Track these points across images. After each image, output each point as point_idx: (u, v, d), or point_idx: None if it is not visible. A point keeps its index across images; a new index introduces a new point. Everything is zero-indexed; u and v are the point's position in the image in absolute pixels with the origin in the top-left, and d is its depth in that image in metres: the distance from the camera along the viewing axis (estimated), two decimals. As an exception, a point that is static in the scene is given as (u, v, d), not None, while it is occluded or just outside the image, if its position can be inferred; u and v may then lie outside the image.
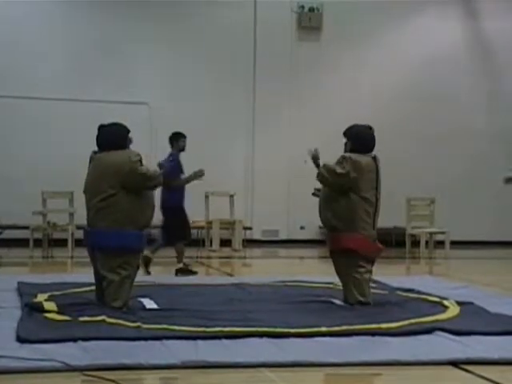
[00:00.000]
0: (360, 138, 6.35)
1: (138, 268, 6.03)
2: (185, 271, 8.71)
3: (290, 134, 14.59)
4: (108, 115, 13.70)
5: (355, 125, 6.49)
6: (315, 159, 6.27)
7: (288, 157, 14.10)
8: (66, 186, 12.64)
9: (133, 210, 5.82)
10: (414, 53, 15.12)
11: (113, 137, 6.02)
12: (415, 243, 12.84)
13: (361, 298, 6.11)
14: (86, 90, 13.88)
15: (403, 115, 14.98)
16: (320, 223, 6.52)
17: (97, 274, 5.97)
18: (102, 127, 6.09)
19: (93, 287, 6.77)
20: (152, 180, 5.93)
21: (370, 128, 6.47)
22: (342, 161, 6.17)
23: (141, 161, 5.96)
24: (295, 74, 14.72)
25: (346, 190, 6.12)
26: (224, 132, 14.53)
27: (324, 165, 6.21)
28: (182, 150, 8.92)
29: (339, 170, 6.11)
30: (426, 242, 12.72)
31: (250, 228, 14.19)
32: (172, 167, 8.35)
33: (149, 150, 13.97)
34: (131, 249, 5.85)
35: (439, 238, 12.98)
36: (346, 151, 6.36)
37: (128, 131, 6.13)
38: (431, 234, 12.92)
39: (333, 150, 6.65)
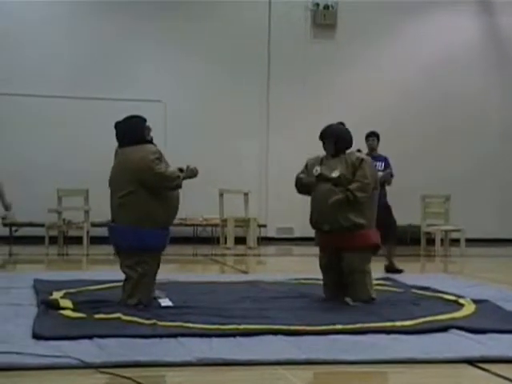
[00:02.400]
0: (344, 138, 6.43)
1: (158, 266, 5.97)
2: None
3: (305, 130, 14.54)
4: (122, 113, 13.79)
5: (330, 125, 6.55)
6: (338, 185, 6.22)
7: (303, 154, 13.98)
8: (81, 183, 12.71)
9: (151, 208, 5.77)
10: (429, 50, 15.07)
11: (130, 131, 5.98)
12: (430, 241, 12.79)
13: (374, 295, 6.16)
14: (100, 89, 13.93)
15: (418, 112, 14.93)
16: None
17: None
18: (117, 124, 6.07)
19: (108, 284, 6.82)
20: (170, 180, 5.82)
21: (343, 124, 6.58)
22: (364, 166, 6.24)
23: (159, 158, 5.87)
24: (310, 72, 14.71)
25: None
26: (238, 129, 14.53)
27: (352, 191, 6.15)
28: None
29: (368, 180, 6.20)
30: (442, 240, 12.67)
31: (264, 226, 14.19)
32: None
33: (162, 148, 14.06)
34: (148, 247, 5.81)
35: (454, 235, 12.93)
36: (328, 153, 6.42)
37: (144, 121, 6.07)
38: (446, 231, 12.87)
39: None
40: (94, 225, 13.05)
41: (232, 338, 4.55)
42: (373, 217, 6.30)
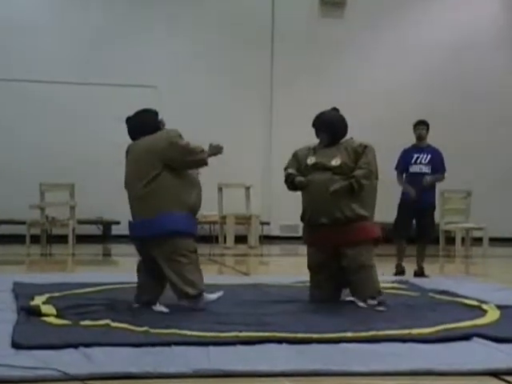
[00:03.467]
0: (339, 126, 6.49)
1: (196, 253, 5.98)
2: None
3: (312, 119, 14.57)
4: (115, 99, 14.05)
5: (323, 113, 6.59)
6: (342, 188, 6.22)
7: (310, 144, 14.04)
8: (67, 177, 12.70)
9: (179, 189, 5.81)
10: (449, 28, 15.05)
11: (143, 125, 6.02)
12: (450, 240, 12.79)
13: (380, 288, 6.24)
14: (92, 74, 13.97)
15: (434, 99, 14.92)
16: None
17: (149, 270, 5.94)
18: (129, 119, 6.10)
19: (96, 288, 6.81)
20: (193, 154, 5.86)
21: (337, 110, 6.60)
22: (368, 152, 6.27)
23: (181, 135, 5.94)
24: (317, 54, 14.70)
25: None
26: (239, 119, 14.53)
27: (357, 178, 6.19)
28: None
29: (372, 168, 6.26)
30: (462, 239, 12.67)
31: (267, 223, 14.20)
32: None
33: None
34: (183, 233, 5.83)
35: (476, 234, 12.93)
36: (322, 143, 6.47)
37: (156, 114, 6.13)
38: (467, 229, 12.86)
39: (358, 136, 6.64)
40: (80, 222, 13.06)
41: (232, 347, 4.53)
42: (374, 208, 6.37)
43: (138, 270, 6.11)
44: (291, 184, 6.52)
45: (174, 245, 5.79)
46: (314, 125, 6.57)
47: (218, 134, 14.66)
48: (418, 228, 8.87)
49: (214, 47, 14.57)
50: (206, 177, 11.67)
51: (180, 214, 5.81)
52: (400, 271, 8.85)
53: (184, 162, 5.88)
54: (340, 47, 14.84)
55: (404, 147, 9.10)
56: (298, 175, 6.45)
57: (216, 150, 6.10)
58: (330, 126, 6.46)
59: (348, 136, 6.53)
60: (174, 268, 5.79)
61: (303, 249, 13.73)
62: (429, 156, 8.90)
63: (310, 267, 6.54)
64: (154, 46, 14.40)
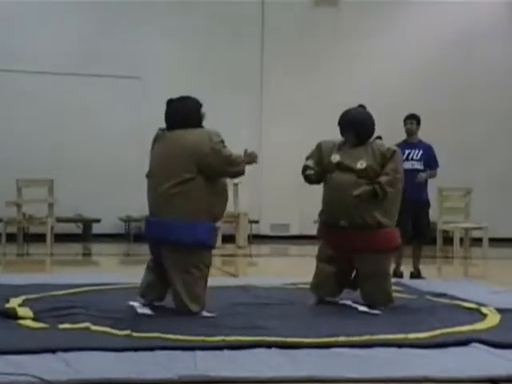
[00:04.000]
0: (367, 125, 6.44)
1: (209, 268, 5.96)
2: None
3: (304, 112, 14.56)
4: (97, 90, 14.04)
5: (349, 110, 6.52)
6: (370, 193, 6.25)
7: (301, 138, 14.04)
8: (45, 172, 12.66)
9: (209, 199, 5.77)
10: (449, 18, 15.09)
11: (185, 113, 5.93)
12: (448, 240, 12.81)
13: (393, 298, 6.35)
14: (73, 64, 13.95)
15: (433, 91, 14.94)
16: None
17: (159, 273, 5.91)
18: (170, 102, 6.01)
19: (76, 289, 6.79)
20: (234, 165, 5.85)
21: (364, 107, 6.57)
22: (396, 159, 6.32)
23: (223, 141, 5.89)
24: (310, 44, 14.71)
25: None
26: (228, 113, 14.51)
27: (382, 184, 6.21)
28: None
29: (399, 175, 6.33)
30: (461, 240, 12.69)
31: (256, 222, 14.19)
32: None
33: (139, 130, 14.13)
34: (205, 244, 5.80)
35: (476, 234, 12.95)
36: (349, 143, 6.43)
37: (201, 105, 6.05)
38: (466, 229, 12.89)
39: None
40: (59, 220, 13.03)
41: (219, 352, 4.53)
42: (396, 216, 6.40)
43: (148, 268, 6.05)
44: (307, 177, 6.54)
45: (191, 256, 5.74)
46: (340, 123, 6.48)
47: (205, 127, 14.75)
48: (412, 227, 8.89)
49: (202, 38, 14.55)
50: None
51: (205, 225, 5.77)
52: (397, 275, 8.85)
53: (223, 171, 5.87)
54: (334, 37, 14.85)
55: (395, 143, 9.10)
56: (313, 168, 6.45)
57: (251, 159, 6.08)
58: (357, 125, 6.39)
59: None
60: (184, 279, 5.73)
61: (294, 249, 13.69)
62: (420, 151, 8.91)
63: (319, 259, 6.56)
64: (139, 36, 14.38)
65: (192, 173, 5.73)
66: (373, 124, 6.47)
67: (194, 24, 14.59)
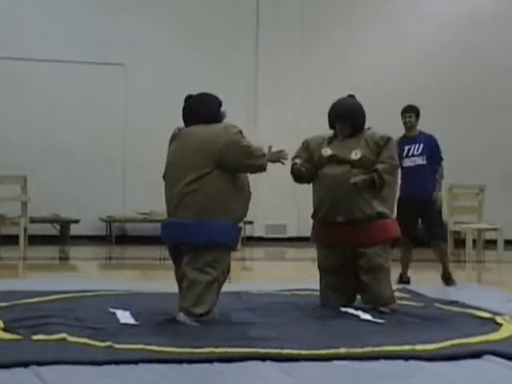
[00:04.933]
0: (360, 115, 6.63)
1: (228, 271, 6.02)
2: None
3: (302, 101, 14.57)
4: (77, 78, 14.01)
5: (341, 102, 6.69)
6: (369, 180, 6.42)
7: (299, 129, 14.05)
8: (18, 168, 12.63)
9: (226, 195, 5.82)
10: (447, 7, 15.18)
11: (205, 109, 6.00)
12: (459, 243, 12.83)
13: (394, 296, 6.58)
14: (54, 50, 13.96)
15: (439, 82, 14.96)
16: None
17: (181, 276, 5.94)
18: (189, 98, 6.08)
19: (51, 296, 6.79)
20: (253, 158, 5.88)
21: (354, 97, 6.76)
22: (391, 146, 6.55)
23: (241, 132, 5.95)
24: (308, 30, 14.75)
25: None
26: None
27: (379, 172, 6.39)
28: None
29: (395, 162, 6.58)
30: (474, 241, 12.70)
31: (250, 222, 14.18)
32: None
33: (123, 118, 14.15)
34: (222, 244, 5.86)
35: (490, 236, 12.97)
36: (342, 136, 6.61)
37: (221, 104, 6.11)
38: (480, 230, 12.90)
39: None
40: (33, 220, 13.00)
41: (208, 365, 4.53)
42: (393, 205, 6.67)
43: (178, 280, 6.02)
44: (297, 176, 6.66)
45: (205, 255, 5.79)
46: (332, 115, 6.65)
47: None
48: (424, 230, 8.93)
49: (190, 22, 14.55)
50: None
51: (221, 223, 5.81)
52: (403, 281, 8.86)
53: (242, 165, 5.89)
54: (328, 24, 14.90)
55: (396, 139, 9.08)
56: (303, 165, 6.54)
57: (276, 157, 6.08)
58: (350, 117, 6.58)
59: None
60: (194, 276, 5.78)
61: (291, 252, 13.71)
62: (421, 145, 8.87)
63: (321, 269, 6.68)
64: (122, 21, 14.39)
65: (208, 167, 5.79)
66: (364, 114, 6.66)
67: (180, 7, 14.58)
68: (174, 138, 6.09)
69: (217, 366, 4.52)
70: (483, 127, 15.05)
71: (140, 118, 13.90)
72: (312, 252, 6.97)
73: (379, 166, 6.40)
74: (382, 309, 6.39)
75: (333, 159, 6.49)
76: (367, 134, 6.58)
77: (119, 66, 14.16)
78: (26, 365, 4.38)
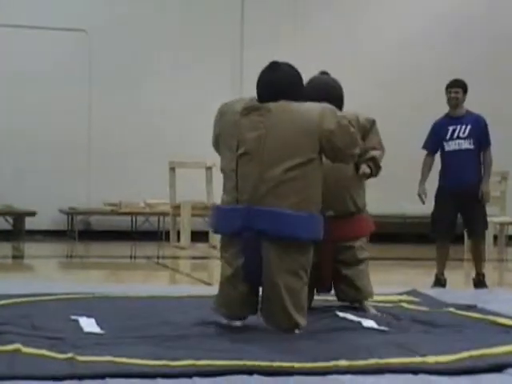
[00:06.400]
0: (337, 94, 6.69)
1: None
2: None
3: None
4: (35, 45, 13.97)
5: (313, 79, 6.75)
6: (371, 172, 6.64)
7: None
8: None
9: (318, 185, 5.87)
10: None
11: (289, 84, 5.92)
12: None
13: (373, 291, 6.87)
14: (6, 13, 13.99)
15: (455, 55, 15.08)
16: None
17: (249, 273, 5.89)
18: (274, 64, 5.97)
19: (3, 301, 6.78)
20: (355, 146, 5.94)
21: (328, 73, 6.86)
22: (377, 129, 6.70)
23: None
24: (299, 19, 14.86)
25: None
26: (197, 79, 14.54)
27: (376, 160, 6.63)
28: None
29: (384, 149, 6.76)
30: (495, 237, 12.75)
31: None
32: None
33: (87, 94, 14.11)
34: (317, 241, 5.94)
35: (513, 230, 13.03)
36: None
37: (301, 78, 6.08)
38: (502, 224, 12.96)
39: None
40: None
41: (187, 380, 4.54)
42: (364, 196, 6.90)
43: (228, 280, 6.02)
44: None
45: (301, 254, 5.80)
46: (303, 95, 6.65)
47: (167, 96, 14.71)
48: (464, 223, 9.03)
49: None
50: (154, 152, 11.67)
51: (317, 217, 5.86)
52: (439, 283, 8.89)
53: (347, 154, 5.93)
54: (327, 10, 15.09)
55: (434, 120, 9.09)
56: None
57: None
58: (325, 95, 6.43)
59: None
60: (289, 282, 5.76)
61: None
62: (468, 127, 8.84)
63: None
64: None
65: (314, 153, 5.78)
66: (342, 93, 6.73)
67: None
68: (250, 111, 5.87)
69: (197, 380, 4.52)
70: (506, 107, 15.10)
71: (106, 91, 13.85)
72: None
73: (375, 154, 6.55)
74: (364, 304, 6.75)
75: None
76: (348, 115, 6.41)
77: (80, 31, 14.14)
78: (-26, 380, 4.39)
